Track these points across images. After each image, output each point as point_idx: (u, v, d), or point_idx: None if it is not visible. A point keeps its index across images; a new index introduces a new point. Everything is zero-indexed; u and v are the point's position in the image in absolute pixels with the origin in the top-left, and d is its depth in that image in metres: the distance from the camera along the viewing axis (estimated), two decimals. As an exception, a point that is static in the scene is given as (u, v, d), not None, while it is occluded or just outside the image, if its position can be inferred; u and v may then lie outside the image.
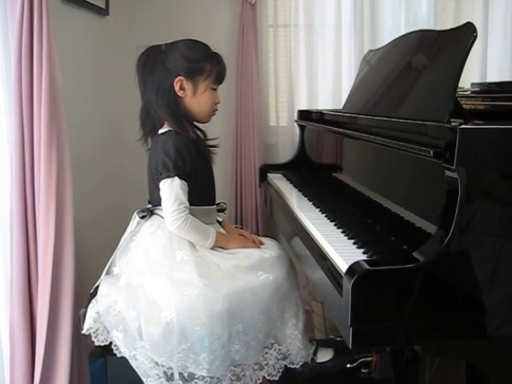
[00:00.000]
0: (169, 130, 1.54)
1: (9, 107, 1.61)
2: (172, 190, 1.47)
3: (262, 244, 1.62)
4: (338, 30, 2.78)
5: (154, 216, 1.57)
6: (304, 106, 2.78)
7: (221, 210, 1.72)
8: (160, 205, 1.54)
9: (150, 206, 1.61)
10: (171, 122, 1.55)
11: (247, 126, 2.79)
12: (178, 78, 1.54)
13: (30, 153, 1.58)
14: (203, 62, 1.56)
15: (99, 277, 1.56)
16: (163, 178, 1.48)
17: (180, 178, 1.48)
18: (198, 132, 1.61)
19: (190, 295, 1.36)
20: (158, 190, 1.51)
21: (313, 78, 2.83)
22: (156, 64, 1.55)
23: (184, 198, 1.49)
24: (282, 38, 2.87)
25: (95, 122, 2.37)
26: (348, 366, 1.69)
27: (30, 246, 1.61)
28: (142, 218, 1.57)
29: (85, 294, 1.58)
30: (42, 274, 1.59)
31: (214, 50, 1.60)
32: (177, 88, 1.54)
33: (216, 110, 1.64)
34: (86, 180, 2.19)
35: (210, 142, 1.61)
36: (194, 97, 1.57)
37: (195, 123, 1.62)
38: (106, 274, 1.56)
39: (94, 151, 2.34)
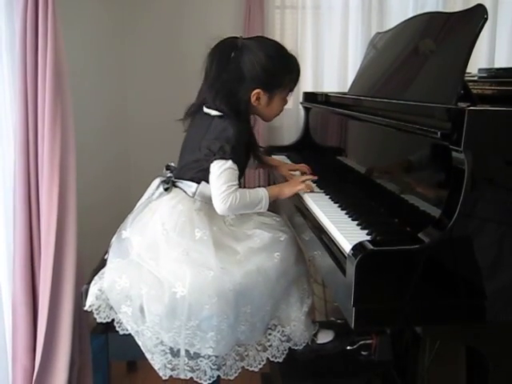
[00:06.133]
0: (227, 116, 1.49)
1: (13, 85, 1.60)
2: (224, 171, 1.44)
3: (311, 191, 1.60)
4: (345, 13, 2.76)
5: (176, 189, 1.53)
6: (309, 88, 2.76)
7: None
8: (184, 179, 1.52)
9: (169, 174, 1.57)
10: (233, 118, 1.49)
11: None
12: (257, 90, 1.49)
13: (34, 130, 1.58)
14: (283, 75, 1.52)
15: (101, 257, 1.56)
16: (217, 159, 1.44)
17: (233, 162, 1.45)
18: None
19: (206, 276, 1.36)
20: (199, 166, 1.49)
21: (319, 61, 2.81)
22: (229, 60, 1.49)
23: (234, 179, 1.46)
24: (288, 19, 2.85)
25: (99, 106, 2.36)
26: (348, 348, 1.69)
27: (32, 223, 1.61)
28: (166, 189, 1.52)
29: (87, 271, 1.58)
30: (44, 251, 1.60)
31: (290, 52, 1.55)
32: (253, 99, 1.50)
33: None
34: (90, 163, 2.18)
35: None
36: (267, 107, 1.55)
37: None
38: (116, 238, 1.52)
39: (97, 135, 2.33)
